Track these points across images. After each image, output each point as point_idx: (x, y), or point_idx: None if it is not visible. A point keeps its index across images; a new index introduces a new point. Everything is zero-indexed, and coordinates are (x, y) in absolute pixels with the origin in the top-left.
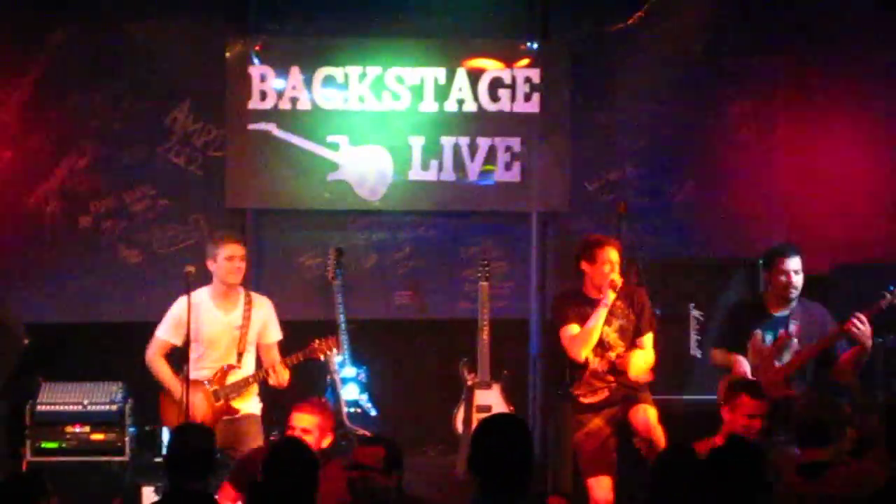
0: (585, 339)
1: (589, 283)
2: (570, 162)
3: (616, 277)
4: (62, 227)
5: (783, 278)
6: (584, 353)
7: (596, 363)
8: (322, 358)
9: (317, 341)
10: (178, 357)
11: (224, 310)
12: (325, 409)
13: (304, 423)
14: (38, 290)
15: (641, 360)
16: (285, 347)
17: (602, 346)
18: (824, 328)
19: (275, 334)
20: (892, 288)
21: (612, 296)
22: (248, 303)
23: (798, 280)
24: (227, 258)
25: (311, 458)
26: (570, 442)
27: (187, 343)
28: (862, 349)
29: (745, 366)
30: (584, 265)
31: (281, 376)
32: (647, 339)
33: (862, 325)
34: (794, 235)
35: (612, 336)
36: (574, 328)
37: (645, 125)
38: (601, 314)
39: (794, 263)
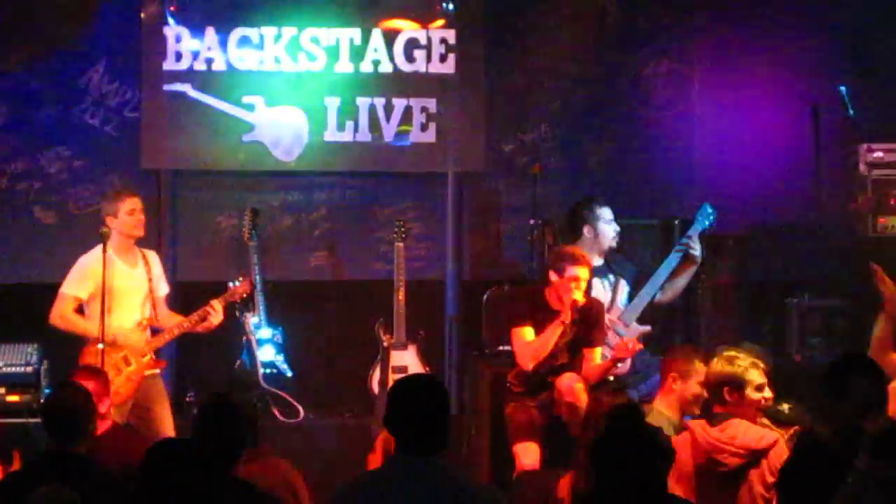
0: (537, 352)
1: (552, 291)
2: (485, 123)
3: (580, 298)
4: None
5: (610, 228)
6: (532, 364)
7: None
8: (239, 300)
9: (231, 284)
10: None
11: (129, 264)
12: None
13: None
14: None
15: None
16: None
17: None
18: (634, 269)
19: (166, 287)
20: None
21: (570, 316)
22: (144, 257)
23: (617, 227)
24: (129, 212)
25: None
26: (484, 402)
27: (102, 298)
28: (691, 266)
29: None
30: (552, 275)
31: (220, 315)
32: (597, 352)
33: (694, 242)
34: (711, 196)
35: (560, 347)
36: (528, 332)
37: (560, 86)
38: (556, 331)
39: (610, 212)
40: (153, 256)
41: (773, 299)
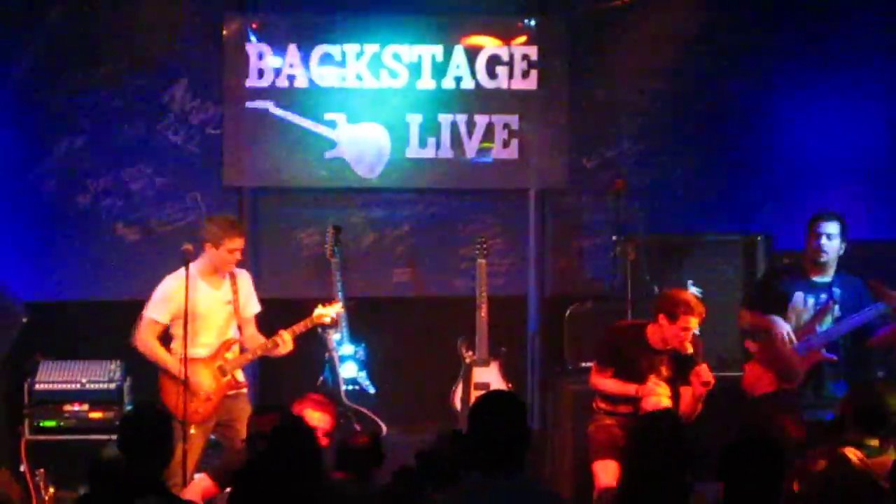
0: (604, 393)
1: (657, 332)
2: (567, 139)
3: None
4: (60, 205)
5: (814, 241)
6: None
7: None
8: (329, 321)
9: (319, 306)
10: (165, 339)
11: (213, 285)
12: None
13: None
14: (37, 269)
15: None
16: (284, 325)
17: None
18: (861, 300)
19: (255, 306)
20: None
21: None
22: (233, 276)
23: (828, 244)
24: (230, 251)
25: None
26: (566, 419)
27: (185, 321)
28: None
29: (784, 326)
30: (663, 319)
31: (288, 345)
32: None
33: None
34: (793, 213)
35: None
36: (606, 380)
37: (642, 102)
38: (627, 391)
39: (827, 227)
40: (244, 276)
41: None
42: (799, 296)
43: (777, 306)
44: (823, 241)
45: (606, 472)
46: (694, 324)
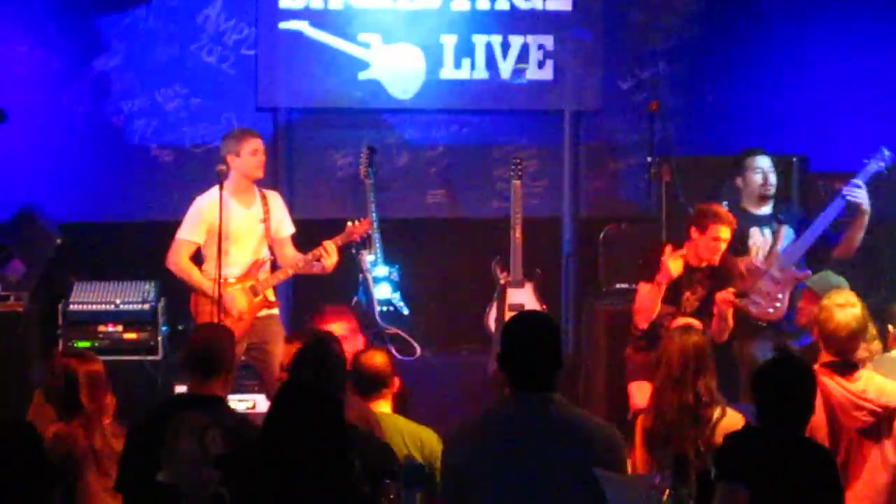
0: (644, 313)
1: (692, 247)
2: (602, 60)
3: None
4: (94, 126)
5: (758, 177)
6: (643, 324)
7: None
8: (358, 240)
9: (350, 224)
10: (197, 260)
11: (244, 204)
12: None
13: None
14: (71, 190)
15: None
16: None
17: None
18: (802, 222)
19: (290, 226)
20: (879, 154)
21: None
22: (264, 196)
23: (772, 176)
24: (252, 152)
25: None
26: (600, 341)
27: (219, 240)
28: (862, 217)
29: (757, 263)
30: (694, 231)
31: (333, 256)
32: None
33: (858, 189)
34: (829, 132)
35: (691, 302)
36: (644, 288)
37: (678, 23)
38: (654, 293)
39: (766, 162)
40: (275, 197)
41: (887, 237)
42: (755, 230)
43: (741, 249)
44: (768, 175)
45: (642, 393)
46: (725, 233)
